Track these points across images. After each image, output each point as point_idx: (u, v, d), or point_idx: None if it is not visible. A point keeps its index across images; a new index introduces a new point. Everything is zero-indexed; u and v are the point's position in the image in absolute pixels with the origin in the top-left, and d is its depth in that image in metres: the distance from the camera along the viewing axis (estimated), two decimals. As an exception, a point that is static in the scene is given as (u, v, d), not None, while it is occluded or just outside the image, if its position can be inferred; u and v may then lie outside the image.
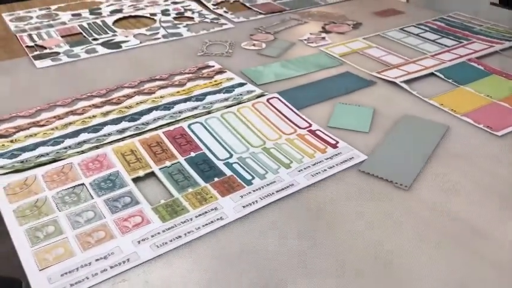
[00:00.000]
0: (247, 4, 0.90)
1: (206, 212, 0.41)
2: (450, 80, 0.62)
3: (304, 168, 0.46)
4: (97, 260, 0.36)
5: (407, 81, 0.61)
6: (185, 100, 0.57)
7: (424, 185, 0.44)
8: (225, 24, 0.81)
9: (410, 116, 0.54)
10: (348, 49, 0.72)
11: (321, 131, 0.52)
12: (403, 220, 0.40)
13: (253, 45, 0.73)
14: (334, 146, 0.49)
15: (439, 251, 0.37)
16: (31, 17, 0.85)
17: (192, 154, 0.48)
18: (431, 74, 0.63)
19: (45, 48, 0.73)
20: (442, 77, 0.62)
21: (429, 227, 0.39)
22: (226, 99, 0.58)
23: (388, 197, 0.43)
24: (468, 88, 0.60)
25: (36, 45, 0.74)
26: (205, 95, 0.59)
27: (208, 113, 0.54)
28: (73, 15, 0.87)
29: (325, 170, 0.46)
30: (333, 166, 0.46)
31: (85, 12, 0.88)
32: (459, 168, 0.46)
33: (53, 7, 0.91)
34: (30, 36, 0.77)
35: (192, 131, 0.51)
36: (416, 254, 0.37)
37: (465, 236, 0.38)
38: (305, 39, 0.75)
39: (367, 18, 0.84)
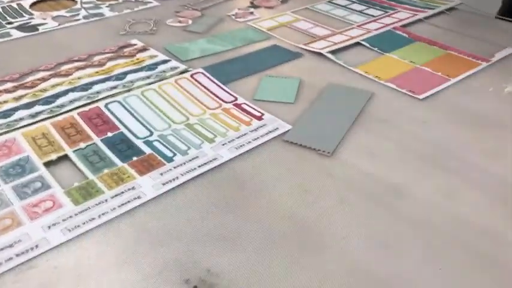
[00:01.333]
0: (174, -18, 0.87)
1: (123, 192, 0.39)
2: (375, 49, 0.62)
3: (229, 142, 0.44)
4: (1, 249, 0.33)
5: (333, 52, 0.61)
6: (104, 80, 0.54)
7: (347, 150, 0.44)
8: (150, 2, 0.78)
9: (334, 85, 0.54)
10: (276, 23, 0.71)
11: (246, 104, 0.50)
12: (325, 185, 0.40)
13: (179, 22, 0.70)
14: (260, 118, 0.48)
15: (359, 211, 0.37)
16: None
17: (109, 134, 0.45)
18: (357, 43, 0.63)
19: (-47, 33, 0.67)
20: (368, 45, 0.63)
21: (350, 189, 0.39)
22: (148, 77, 0.55)
23: (312, 164, 0.42)
24: (392, 55, 0.60)
25: None
26: (126, 73, 0.56)
27: (128, 91, 0.52)
28: (-14, -1, 0.81)
29: (249, 142, 0.45)
30: (258, 138, 0.45)
31: (0, -4, 0.82)
32: (382, 133, 0.46)
33: (-36, -9, 0.84)
34: None
35: (109, 111, 0.48)
36: (337, 216, 0.36)
37: (384, 196, 0.38)
38: (233, 15, 0.73)
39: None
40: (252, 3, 0.77)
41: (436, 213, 0.37)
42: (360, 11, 0.74)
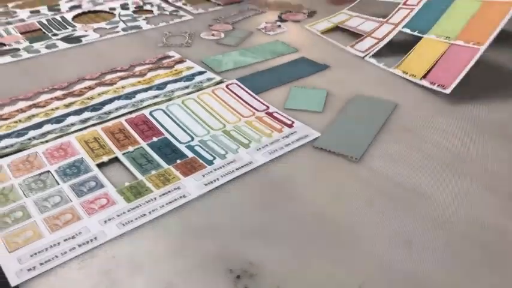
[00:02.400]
0: (206, -4, 0.92)
1: (169, 192, 0.43)
2: (415, 32, 0.64)
3: (262, 147, 0.48)
4: (65, 240, 0.38)
5: (376, 54, 0.65)
6: (146, 89, 0.59)
7: (373, 157, 0.47)
8: (184, 16, 0.83)
9: (360, 96, 0.57)
10: (330, 23, 0.76)
11: (277, 112, 0.54)
12: (354, 188, 0.43)
13: (212, 35, 0.75)
14: (290, 126, 0.52)
15: (385, 212, 0.40)
16: (-12, 15, 0.85)
17: (155, 139, 0.49)
18: (400, 31, 0.66)
19: (4, 45, 0.73)
20: (409, 31, 0.65)
21: (376, 192, 0.43)
22: (186, 87, 0.60)
23: (340, 168, 0.46)
24: (430, 36, 0.62)
25: (-6, 42, 0.74)
26: (166, 83, 0.61)
27: (170, 100, 0.56)
28: (31, 12, 0.86)
29: (281, 147, 0.48)
30: (289, 144, 0.49)
31: (43, 9, 0.88)
32: (406, 140, 0.49)
33: (10, 5, 0.90)
34: (-12, 33, 0.77)
35: (154, 118, 0.53)
36: (365, 217, 0.40)
37: (409, 199, 0.42)
38: (262, 28, 0.77)
39: (321, 5, 0.87)
40: (279, 17, 0.82)
41: (456, 215, 0.40)
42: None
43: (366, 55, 0.65)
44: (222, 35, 0.75)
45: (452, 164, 0.46)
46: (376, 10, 0.75)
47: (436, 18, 0.64)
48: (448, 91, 0.55)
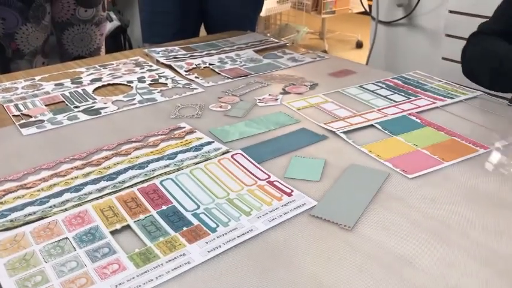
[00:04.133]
0: (216, 70, 0.99)
1: (175, 258, 0.47)
2: (386, 131, 0.70)
3: (263, 215, 0.52)
4: (79, 303, 0.42)
5: (346, 132, 0.70)
6: (158, 159, 0.64)
7: (365, 225, 0.51)
8: (196, 88, 0.90)
9: (355, 165, 0.62)
10: (306, 103, 0.81)
11: (278, 181, 0.59)
12: (346, 255, 0.47)
13: (220, 107, 0.81)
14: (289, 195, 0.56)
15: (375, 279, 0.44)
16: (17, 88, 0.93)
17: (164, 207, 0.54)
18: (372, 125, 0.72)
19: (31, 116, 0.80)
20: (380, 128, 0.71)
21: (367, 259, 0.46)
22: (195, 157, 0.65)
23: (335, 236, 0.49)
24: (399, 138, 0.68)
25: (22, 114, 0.80)
26: (176, 153, 0.66)
27: (179, 169, 0.61)
28: (56, 84, 0.94)
29: (280, 215, 0.52)
30: (287, 212, 0.53)
31: (67, 82, 0.95)
32: (395, 209, 0.53)
33: (37, 77, 0.99)
34: (16, 105, 0.84)
35: (164, 187, 0.57)
36: (356, 283, 0.43)
37: (398, 266, 0.45)
38: (259, 99, 0.83)
39: (323, 78, 0.94)
40: (283, 89, 0.88)
41: (439, 282, 0.43)
42: (385, 96, 0.83)
43: (337, 130, 0.70)
44: (229, 107, 0.81)
45: (437, 231, 0.50)
46: (350, 104, 0.80)
47: (407, 129, 0.71)
48: (410, 176, 0.59)
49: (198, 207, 0.54)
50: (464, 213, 0.52)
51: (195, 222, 0.52)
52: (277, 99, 0.83)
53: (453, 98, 0.82)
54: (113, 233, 0.50)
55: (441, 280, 0.43)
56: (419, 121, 0.73)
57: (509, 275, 0.44)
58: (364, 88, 0.87)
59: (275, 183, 0.58)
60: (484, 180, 0.58)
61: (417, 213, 0.53)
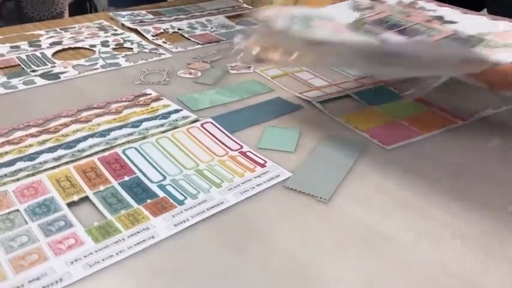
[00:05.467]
0: (186, 35, 0.94)
1: (138, 232, 0.43)
2: (363, 102, 0.67)
3: (234, 187, 0.49)
4: (30, 281, 0.37)
5: (324, 102, 0.67)
6: (121, 127, 0.60)
7: (342, 197, 0.48)
8: (164, 54, 0.84)
9: (332, 136, 0.59)
10: (281, 72, 0.77)
11: (251, 152, 0.55)
12: (321, 229, 0.44)
13: (190, 73, 0.76)
14: (263, 166, 0.53)
15: (351, 254, 0.41)
16: (-33, 50, 0.85)
17: (126, 178, 0.50)
18: (348, 95, 0.69)
19: (-18, 80, 0.73)
20: (357, 98, 0.68)
21: (343, 233, 0.43)
22: (162, 125, 0.60)
23: (310, 209, 0.46)
24: (376, 108, 0.65)
25: (-28, 77, 0.74)
26: (141, 121, 0.61)
27: (144, 138, 0.57)
28: (11, 47, 0.87)
29: (253, 187, 0.49)
30: (261, 184, 0.50)
31: (24, 44, 0.88)
32: (373, 181, 0.51)
33: (-9, 39, 0.91)
34: (-34, 68, 0.77)
35: (127, 156, 0.53)
36: (331, 258, 0.41)
37: (376, 241, 0.43)
38: (231, 66, 0.79)
39: (298, 46, 0.90)
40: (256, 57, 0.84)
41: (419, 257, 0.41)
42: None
43: (313, 100, 0.67)
44: (199, 74, 0.76)
45: (417, 206, 0.47)
46: (326, 73, 0.77)
47: (385, 101, 0.68)
48: (387, 148, 0.56)
49: (164, 178, 0.50)
50: (444, 186, 0.50)
51: (161, 194, 0.48)
52: (250, 67, 0.79)
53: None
54: (69, 205, 0.46)
55: (424, 254, 0.41)
56: (397, 92, 0.70)
57: (488, 249, 0.42)
58: (341, 57, 0.84)
59: (248, 153, 0.55)
60: (463, 153, 0.56)
61: (395, 185, 0.50)
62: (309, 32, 0.59)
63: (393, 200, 0.48)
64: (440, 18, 0.66)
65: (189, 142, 0.56)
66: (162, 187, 0.49)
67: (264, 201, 0.47)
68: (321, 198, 0.48)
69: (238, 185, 0.49)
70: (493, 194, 0.49)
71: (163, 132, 0.58)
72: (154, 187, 0.49)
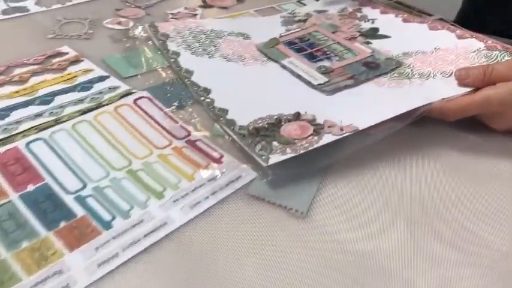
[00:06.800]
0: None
1: (47, 278, 0.30)
2: None
3: (182, 197, 0.37)
4: None
5: None
6: (26, 104, 0.45)
7: (320, 208, 0.37)
8: (86, -5, 0.67)
9: (304, 117, 0.47)
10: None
11: (202, 141, 0.42)
12: (299, 257, 0.33)
13: (119, 23, 0.60)
14: (219, 161, 0.40)
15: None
16: None
17: (31, 188, 0.36)
18: None
19: None
20: None
21: (327, 265, 0.33)
22: (81, 100, 0.46)
23: (282, 228, 0.35)
24: None
25: None
26: (54, 94, 0.46)
27: (57, 122, 0.42)
28: None
29: (206, 197, 0.37)
30: (216, 191, 0.37)
31: None
32: (359, 182, 0.40)
33: None
34: None
35: (32, 153, 0.39)
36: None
37: (367, 277, 0.32)
38: (171, 14, 0.63)
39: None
40: (204, 1, 0.68)
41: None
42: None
43: None
44: (131, 24, 0.60)
45: (410, 214, 0.37)
46: None
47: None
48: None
49: (85, 185, 0.37)
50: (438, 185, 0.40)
51: (80, 212, 0.35)
52: (195, 15, 0.64)
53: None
54: None
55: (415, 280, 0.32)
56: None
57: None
58: (303, 3, 0.70)
59: (198, 143, 0.42)
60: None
61: (390, 188, 0.40)
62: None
63: (386, 210, 0.38)
64: (371, 32, 0.58)
65: (117, 128, 0.43)
66: (81, 200, 0.35)
67: (222, 218, 0.36)
68: (296, 211, 0.36)
69: (187, 194, 0.37)
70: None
71: (83, 113, 0.44)
72: (70, 200, 0.35)
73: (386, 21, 0.61)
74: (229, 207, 0.37)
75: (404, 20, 0.60)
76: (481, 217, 0.37)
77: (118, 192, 0.36)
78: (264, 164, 0.38)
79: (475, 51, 0.51)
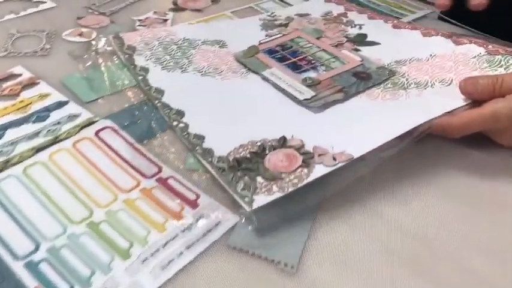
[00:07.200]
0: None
1: None
2: None
3: (151, 254, 0.31)
4: None
5: None
6: (-30, 143, 0.39)
7: (313, 260, 0.32)
8: (43, 2, 0.60)
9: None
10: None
11: (174, 178, 0.37)
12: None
13: (80, 34, 0.54)
14: (194, 204, 0.35)
15: None
16: None
17: (-29, 254, 0.31)
18: None
19: None
20: None
21: None
22: (36, 134, 0.40)
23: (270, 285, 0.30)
24: None
25: None
26: (4, 128, 0.41)
27: (6, 164, 0.37)
28: None
29: (180, 253, 0.32)
30: (191, 245, 0.32)
31: None
32: (353, 222, 0.35)
33: None
34: None
35: (-27, 209, 0.33)
36: None
37: None
38: (139, 21, 0.57)
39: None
40: (175, 3, 0.62)
41: None
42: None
43: None
44: (94, 35, 0.54)
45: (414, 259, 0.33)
46: None
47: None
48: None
49: (37, 247, 0.31)
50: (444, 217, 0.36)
51: (31, 283, 0.29)
52: (166, 20, 0.58)
53: (399, 18, 0.62)
54: None
55: None
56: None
57: None
58: (285, 1, 0.65)
59: (170, 181, 0.37)
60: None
61: (389, 229, 0.35)
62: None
63: (388, 254, 0.33)
64: (359, 38, 0.53)
65: (76, 169, 0.37)
66: (32, 268, 0.30)
67: (197, 281, 0.31)
68: (286, 265, 0.32)
69: (158, 250, 0.32)
70: None
71: (38, 151, 0.38)
72: (19, 268, 0.30)
73: (375, 27, 0.55)
74: (207, 263, 0.31)
75: (395, 26, 0.55)
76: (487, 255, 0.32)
77: (77, 253, 0.31)
78: (248, 209, 0.33)
79: (475, 57, 0.46)
